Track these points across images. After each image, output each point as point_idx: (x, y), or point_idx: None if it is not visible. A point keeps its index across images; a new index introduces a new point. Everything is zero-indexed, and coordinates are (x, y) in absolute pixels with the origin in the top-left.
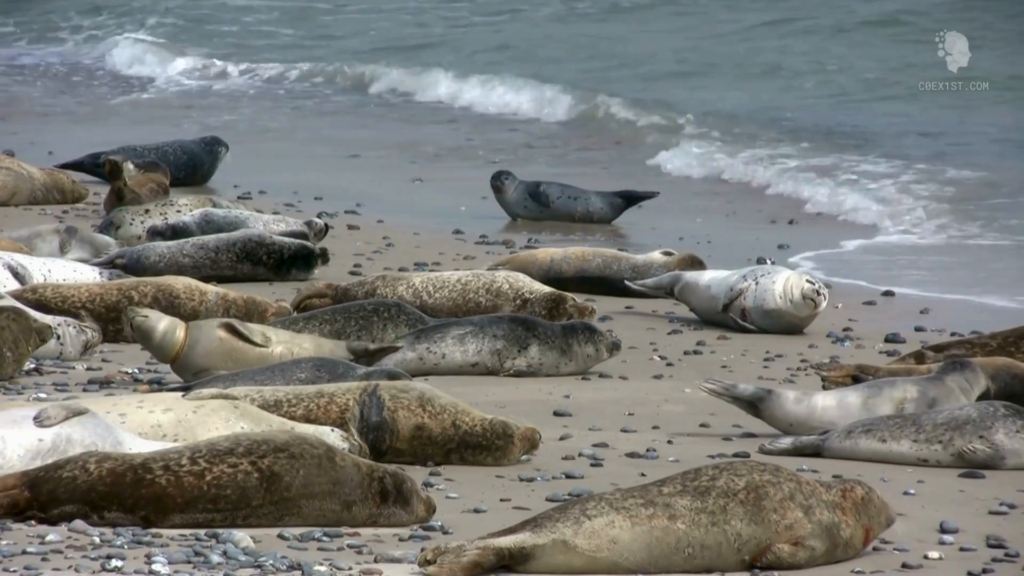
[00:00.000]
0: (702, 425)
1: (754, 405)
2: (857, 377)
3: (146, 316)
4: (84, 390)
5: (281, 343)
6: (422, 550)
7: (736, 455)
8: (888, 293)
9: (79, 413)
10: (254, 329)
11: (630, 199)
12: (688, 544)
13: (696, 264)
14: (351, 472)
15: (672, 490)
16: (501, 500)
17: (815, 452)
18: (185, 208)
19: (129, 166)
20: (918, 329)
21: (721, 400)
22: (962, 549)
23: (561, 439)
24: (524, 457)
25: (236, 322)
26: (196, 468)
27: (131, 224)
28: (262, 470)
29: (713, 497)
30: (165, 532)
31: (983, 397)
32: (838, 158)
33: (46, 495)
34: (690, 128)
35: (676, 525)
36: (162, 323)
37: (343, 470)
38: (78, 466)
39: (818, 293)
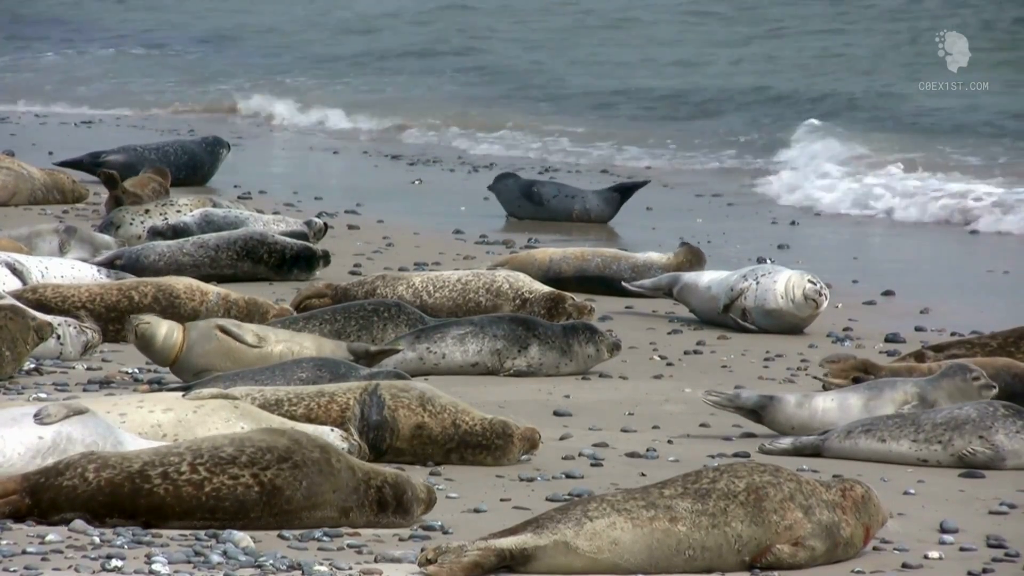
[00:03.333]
0: (702, 425)
1: (756, 413)
2: (858, 377)
3: (148, 323)
4: (84, 390)
5: (281, 342)
6: (422, 550)
7: (736, 455)
8: (888, 293)
9: (79, 412)
10: (247, 329)
11: (624, 192)
12: (689, 546)
13: (697, 257)
14: (346, 476)
15: (673, 492)
16: (501, 500)
17: (815, 452)
18: (185, 208)
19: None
20: (918, 329)
21: (726, 411)
22: (962, 549)
23: (561, 439)
24: (524, 457)
25: (229, 322)
26: (196, 477)
27: (131, 224)
28: (263, 483)
29: (714, 499)
30: (165, 532)
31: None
32: None
33: (47, 503)
34: None
35: (677, 527)
36: (163, 328)
37: (339, 474)
38: (77, 474)
39: (819, 293)
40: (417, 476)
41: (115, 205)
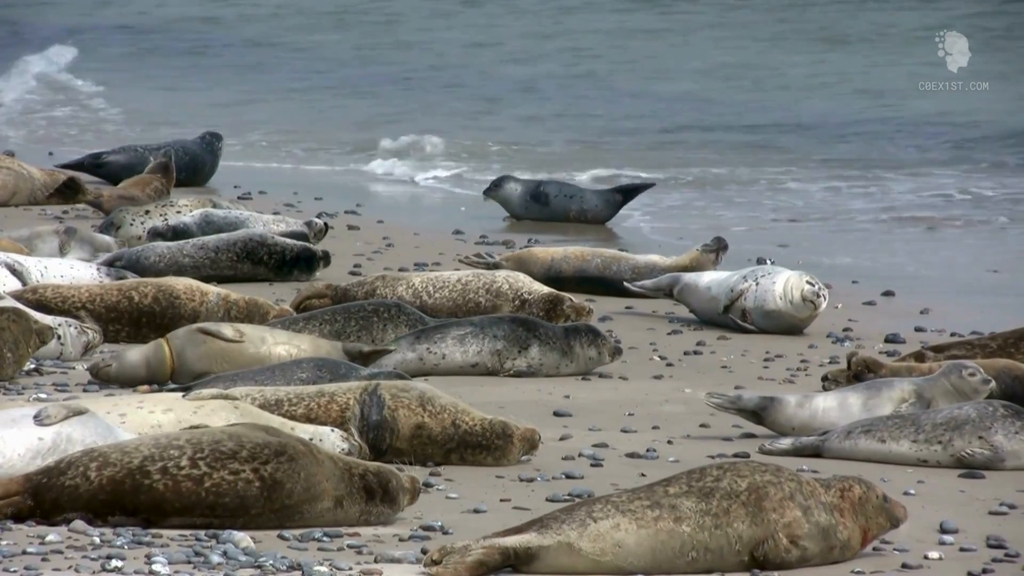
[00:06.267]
0: (702, 425)
1: (757, 414)
2: (859, 375)
3: (110, 364)
4: (84, 390)
5: (281, 343)
6: (423, 551)
7: (736, 455)
8: (888, 293)
9: (79, 412)
10: (225, 325)
11: (628, 193)
12: (692, 547)
13: (701, 265)
14: (331, 465)
15: (678, 490)
16: (501, 500)
17: (815, 453)
18: (185, 209)
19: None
20: (918, 329)
21: (727, 413)
22: (962, 549)
23: (561, 439)
24: (524, 457)
25: (207, 324)
26: (196, 472)
27: (131, 224)
28: (264, 478)
29: (717, 499)
30: (165, 532)
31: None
32: None
33: (49, 503)
34: None
35: (681, 528)
36: (134, 356)
37: (325, 464)
38: (79, 473)
39: (817, 295)
40: (417, 476)
41: (96, 208)
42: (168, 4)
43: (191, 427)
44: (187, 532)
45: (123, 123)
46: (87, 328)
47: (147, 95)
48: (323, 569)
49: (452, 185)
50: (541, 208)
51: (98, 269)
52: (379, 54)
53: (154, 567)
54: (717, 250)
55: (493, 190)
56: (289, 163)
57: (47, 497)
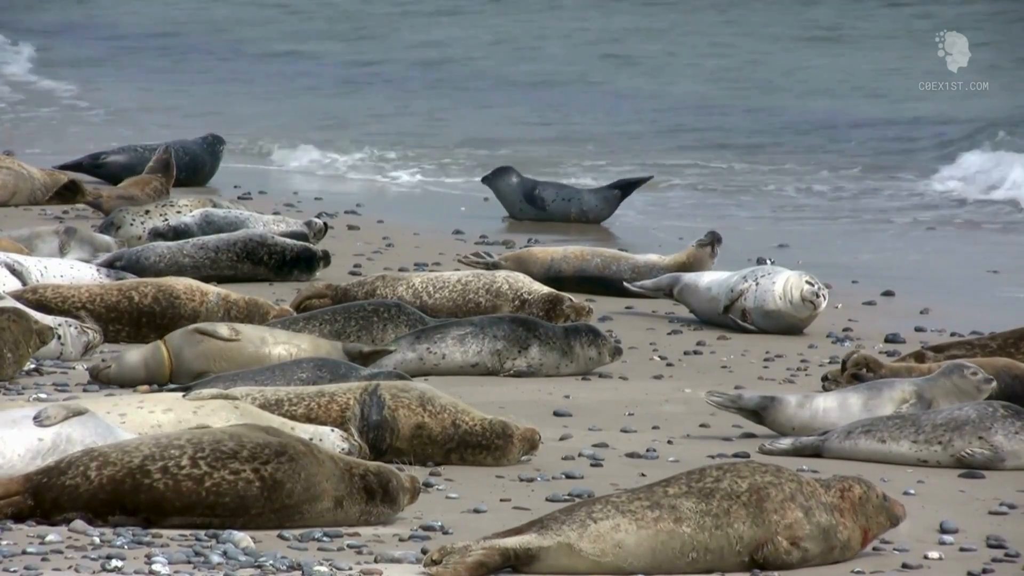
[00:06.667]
0: (702, 425)
1: (758, 413)
2: (858, 376)
3: (110, 365)
4: (84, 390)
5: (281, 343)
6: (423, 551)
7: (736, 455)
8: (888, 293)
9: (79, 413)
10: (220, 324)
11: (626, 188)
12: (693, 548)
13: (700, 261)
14: (331, 466)
15: (678, 491)
16: (501, 500)
17: (815, 453)
18: (185, 209)
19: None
20: (918, 329)
21: (727, 412)
22: (962, 549)
23: (561, 439)
24: (524, 457)
25: (203, 324)
26: (196, 472)
27: (131, 224)
28: (264, 478)
29: (717, 499)
30: (165, 532)
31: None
32: None
33: (50, 503)
34: None
35: (681, 528)
36: (133, 357)
37: (326, 464)
38: (79, 473)
39: (817, 295)
40: (417, 476)
41: (96, 208)
42: (151, 6)
43: (196, 426)
44: (187, 532)
45: (103, 124)
46: (87, 328)
47: (129, 96)
48: (323, 569)
49: (430, 186)
50: (538, 212)
51: (98, 269)
52: (371, 55)
53: (154, 567)
54: (711, 243)
55: (491, 178)
56: (263, 164)
57: (47, 497)
